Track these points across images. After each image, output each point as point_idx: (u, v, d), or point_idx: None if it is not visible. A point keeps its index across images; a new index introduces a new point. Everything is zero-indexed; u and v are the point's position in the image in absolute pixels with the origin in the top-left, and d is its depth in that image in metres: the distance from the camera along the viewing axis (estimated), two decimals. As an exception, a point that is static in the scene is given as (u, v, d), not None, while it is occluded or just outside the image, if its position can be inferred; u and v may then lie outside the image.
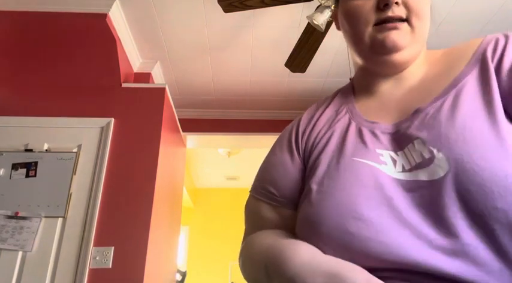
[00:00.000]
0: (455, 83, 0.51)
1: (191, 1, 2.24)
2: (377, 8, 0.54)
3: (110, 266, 2.00)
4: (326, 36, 2.20)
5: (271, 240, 0.54)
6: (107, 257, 2.01)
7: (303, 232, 0.51)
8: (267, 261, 0.50)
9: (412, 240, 0.42)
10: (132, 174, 2.23)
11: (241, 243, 0.65)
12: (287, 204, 0.59)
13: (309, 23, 2.07)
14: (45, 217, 2.06)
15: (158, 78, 2.91)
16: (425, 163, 0.45)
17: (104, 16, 2.16)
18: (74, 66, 2.36)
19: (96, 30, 2.21)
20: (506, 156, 0.41)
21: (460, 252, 0.40)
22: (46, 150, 2.24)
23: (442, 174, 0.43)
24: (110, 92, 2.44)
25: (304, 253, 0.46)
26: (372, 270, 0.43)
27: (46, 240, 2.02)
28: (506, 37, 0.52)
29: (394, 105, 0.56)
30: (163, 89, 2.53)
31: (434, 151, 0.45)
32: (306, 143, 0.61)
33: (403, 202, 0.45)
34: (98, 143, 2.28)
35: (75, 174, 2.18)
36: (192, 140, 3.57)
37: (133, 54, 2.66)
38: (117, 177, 2.21)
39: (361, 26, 0.55)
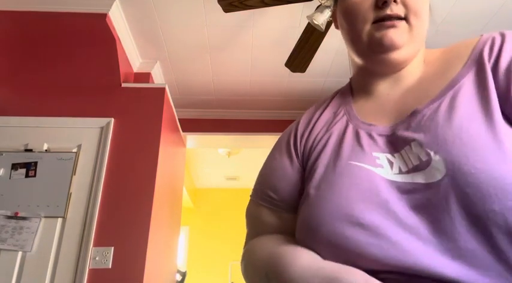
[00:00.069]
0: (452, 85, 0.50)
1: (191, 1, 2.24)
2: (375, 6, 0.54)
3: (110, 266, 2.00)
4: (326, 36, 2.19)
5: (272, 247, 0.54)
6: (106, 257, 2.01)
7: (302, 237, 0.51)
8: (268, 269, 0.50)
9: (410, 243, 0.42)
10: (132, 174, 2.23)
11: (243, 246, 0.65)
12: (287, 208, 0.59)
13: (309, 23, 2.07)
14: (45, 217, 2.06)
15: (158, 78, 2.91)
16: (422, 165, 0.45)
17: (104, 16, 2.16)
18: (74, 66, 2.36)
19: (96, 30, 2.21)
20: (504, 158, 0.41)
21: (458, 255, 0.40)
22: (46, 150, 2.23)
23: (439, 176, 0.43)
24: (110, 91, 2.44)
25: (303, 259, 0.47)
26: (371, 273, 0.43)
27: (46, 240, 2.02)
28: (503, 36, 0.51)
29: (392, 106, 0.56)
30: (163, 89, 2.53)
31: (431, 153, 0.45)
32: (304, 146, 0.60)
33: (400, 205, 0.44)
34: (97, 143, 2.28)
35: (74, 174, 2.17)
36: (192, 139, 3.57)
37: (133, 54, 2.66)
38: (117, 177, 2.21)
39: (359, 23, 0.55)
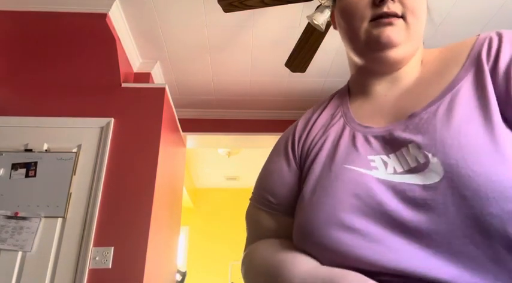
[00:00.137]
0: (450, 87, 0.50)
1: (191, 1, 2.24)
2: (373, 4, 0.54)
3: (110, 266, 2.00)
4: (326, 36, 2.19)
5: (271, 254, 0.54)
6: (106, 257, 2.01)
7: (298, 241, 0.51)
8: (267, 278, 0.51)
9: (404, 246, 0.42)
10: (132, 174, 2.23)
11: (243, 250, 0.65)
12: (285, 211, 0.59)
13: (309, 23, 2.07)
14: (45, 217, 2.06)
15: (158, 78, 2.91)
16: (419, 167, 0.45)
17: (104, 16, 2.16)
18: (74, 66, 2.36)
19: (96, 30, 2.21)
20: (502, 161, 0.40)
21: (454, 258, 0.40)
22: (46, 150, 2.23)
23: (437, 179, 0.43)
24: (110, 91, 2.44)
25: (302, 266, 0.47)
26: (366, 275, 0.43)
27: (46, 240, 2.02)
28: (500, 36, 0.51)
29: (389, 107, 0.56)
30: (163, 89, 2.53)
31: (430, 156, 0.45)
32: (302, 149, 0.61)
33: (395, 207, 0.44)
34: (97, 143, 2.28)
35: (74, 174, 2.17)
36: (192, 139, 3.57)
37: (133, 54, 2.66)
38: (117, 177, 2.21)
39: (357, 21, 0.55)
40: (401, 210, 0.44)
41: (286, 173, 0.60)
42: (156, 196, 2.23)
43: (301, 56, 2.30)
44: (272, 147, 0.69)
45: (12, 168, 2.16)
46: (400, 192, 0.45)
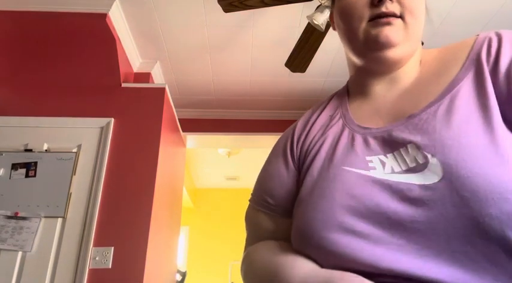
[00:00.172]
0: (450, 88, 0.50)
1: (191, 1, 2.24)
2: (371, 4, 0.54)
3: (110, 266, 2.00)
4: (326, 36, 2.19)
5: (270, 257, 0.54)
6: (106, 257, 2.01)
7: (298, 244, 0.51)
8: (266, 282, 0.51)
9: (403, 247, 0.42)
10: (132, 174, 2.23)
11: (243, 251, 0.65)
12: (283, 213, 0.59)
13: (309, 23, 2.07)
14: (45, 217, 2.06)
15: (158, 78, 2.91)
16: (418, 168, 0.45)
17: (104, 16, 2.16)
18: (74, 66, 2.36)
19: (96, 30, 2.21)
20: (502, 163, 0.40)
21: (453, 259, 0.40)
22: (46, 150, 2.23)
23: (435, 179, 0.43)
24: (110, 91, 2.44)
25: (301, 268, 0.47)
26: (365, 277, 0.43)
27: (46, 240, 2.02)
28: (499, 36, 0.51)
29: (388, 108, 0.56)
30: (163, 89, 2.53)
31: (429, 156, 0.44)
32: (300, 150, 0.61)
33: (393, 208, 0.44)
34: (97, 143, 2.28)
35: (74, 174, 2.17)
36: (192, 140, 3.57)
37: (133, 54, 2.66)
38: (117, 177, 2.21)
39: (355, 21, 0.55)
40: (399, 209, 0.43)
41: (285, 174, 0.60)
42: (156, 196, 2.23)
43: (301, 56, 2.30)
44: (272, 147, 0.69)
45: (12, 168, 2.16)
46: (398, 192, 0.45)
